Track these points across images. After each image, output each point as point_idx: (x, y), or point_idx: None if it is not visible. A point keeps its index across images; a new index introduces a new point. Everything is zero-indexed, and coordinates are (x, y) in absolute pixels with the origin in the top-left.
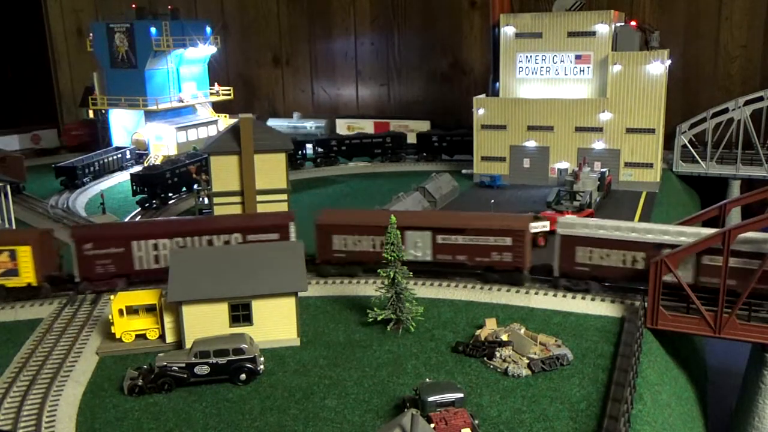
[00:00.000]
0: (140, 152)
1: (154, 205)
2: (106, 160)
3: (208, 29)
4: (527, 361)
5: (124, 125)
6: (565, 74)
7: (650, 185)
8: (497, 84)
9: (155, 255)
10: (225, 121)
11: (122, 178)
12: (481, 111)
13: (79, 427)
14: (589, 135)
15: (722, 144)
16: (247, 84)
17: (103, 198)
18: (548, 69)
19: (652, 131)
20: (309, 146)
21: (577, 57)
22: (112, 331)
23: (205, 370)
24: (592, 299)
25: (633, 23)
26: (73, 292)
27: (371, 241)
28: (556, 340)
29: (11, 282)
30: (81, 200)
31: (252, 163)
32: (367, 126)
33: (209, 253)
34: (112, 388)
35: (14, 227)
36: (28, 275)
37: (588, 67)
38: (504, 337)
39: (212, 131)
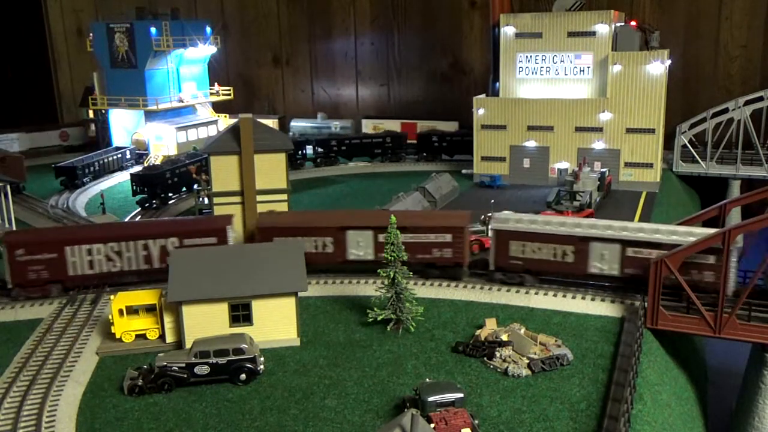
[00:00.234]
0: (140, 152)
1: (154, 205)
2: (106, 160)
3: (208, 29)
4: (527, 361)
5: (124, 125)
6: (565, 74)
7: (650, 185)
8: (497, 84)
9: (89, 260)
10: (225, 121)
11: (122, 178)
12: (481, 111)
13: (79, 427)
14: (589, 135)
15: (722, 144)
16: (247, 84)
17: (103, 198)
18: (548, 69)
19: (652, 131)
20: (309, 146)
21: (577, 57)
22: (112, 331)
23: (205, 370)
24: (592, 299)
25: (633, 23)
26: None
27: (313, 242)
28: (556, 340)
29: None
30: (81, 200)
31: (252, 163)
32: (395, 126)
33: (209, 253)
34: (112, 388)
35: (14, 227)
36: None
37: (588, 67)
38: (504, 337)
39: (212, 131)
